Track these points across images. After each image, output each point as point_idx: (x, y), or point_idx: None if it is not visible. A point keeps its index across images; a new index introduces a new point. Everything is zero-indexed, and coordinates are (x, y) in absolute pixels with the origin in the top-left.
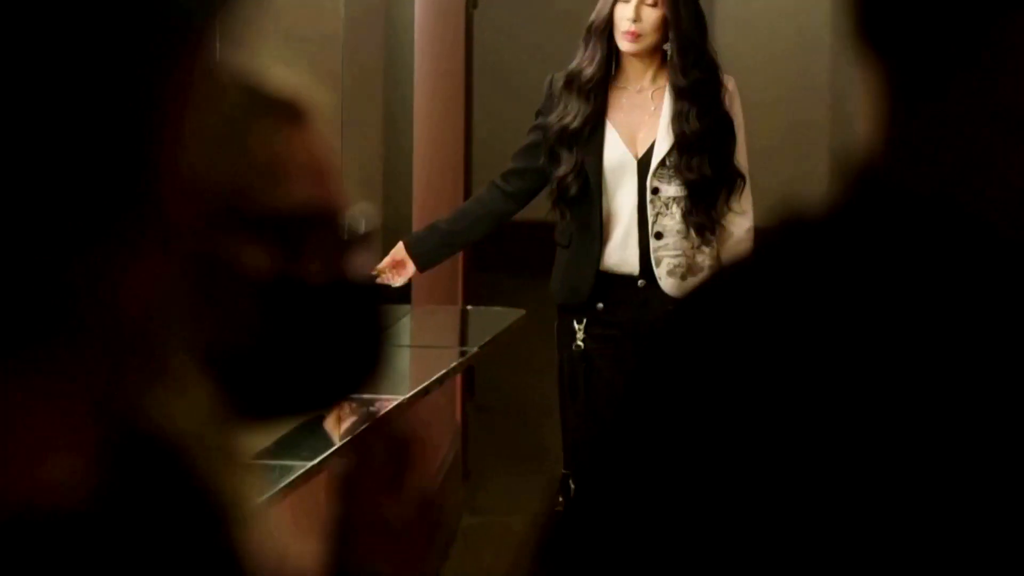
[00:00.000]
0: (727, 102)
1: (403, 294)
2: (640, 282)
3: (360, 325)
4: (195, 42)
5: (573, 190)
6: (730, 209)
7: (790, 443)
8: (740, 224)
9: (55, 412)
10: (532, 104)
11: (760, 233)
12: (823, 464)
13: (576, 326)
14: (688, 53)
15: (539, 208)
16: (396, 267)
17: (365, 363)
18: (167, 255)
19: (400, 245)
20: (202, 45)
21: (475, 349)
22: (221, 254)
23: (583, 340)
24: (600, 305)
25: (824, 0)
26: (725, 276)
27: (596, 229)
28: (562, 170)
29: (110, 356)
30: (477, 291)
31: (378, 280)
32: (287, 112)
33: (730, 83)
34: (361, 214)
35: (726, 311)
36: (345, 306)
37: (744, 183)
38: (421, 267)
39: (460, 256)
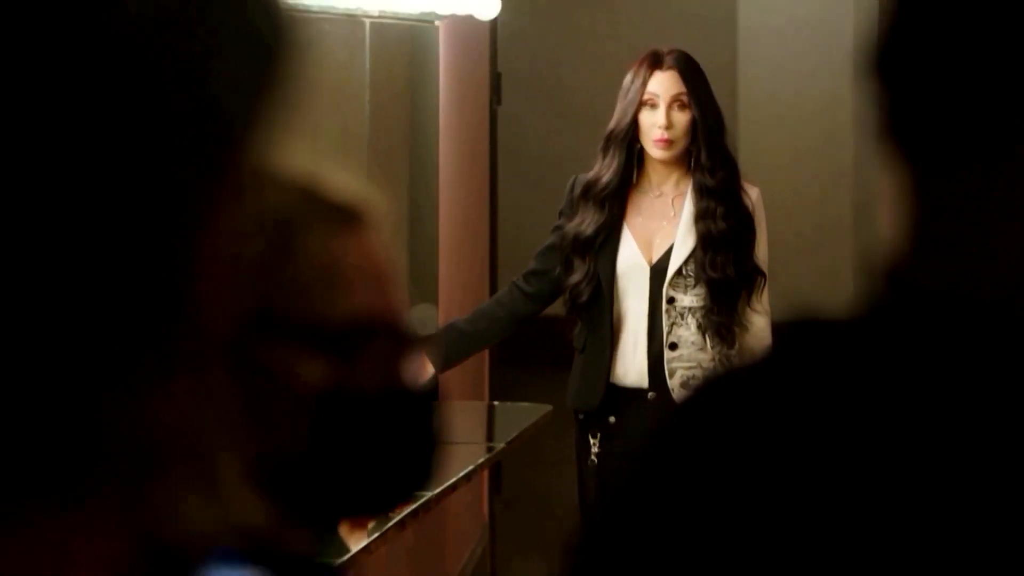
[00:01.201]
0: (749, 206)
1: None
2: (650, 394)
3: (416, 430)
4: (236, 149)
5: (584, 297)
6: (751, 308)
7: (808, 554)
8: (758, 323)
9: (97, 547)
10: (556, 200)
11: (777, 334)
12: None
13: (591, 440)
14: (716, 153)
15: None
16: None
17: (420, 467)
18: (208, 370)
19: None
20: (242, 151)
21: (502, 445)
22: (274, 364)
23: (597, 455)
24: (612, 419)
25: (847, 99)
26: (738, 377)
27: (607, 336)
28: (575, 277)
29: (151, 478)
30: (503, 386)
31: None
32: (344, 216)
33: (754, 192)
34: (421, 317)
35: (738, 413)
36: (402, 412)
37: (764, 281)
38: (440, 368)
39: (486, 351)
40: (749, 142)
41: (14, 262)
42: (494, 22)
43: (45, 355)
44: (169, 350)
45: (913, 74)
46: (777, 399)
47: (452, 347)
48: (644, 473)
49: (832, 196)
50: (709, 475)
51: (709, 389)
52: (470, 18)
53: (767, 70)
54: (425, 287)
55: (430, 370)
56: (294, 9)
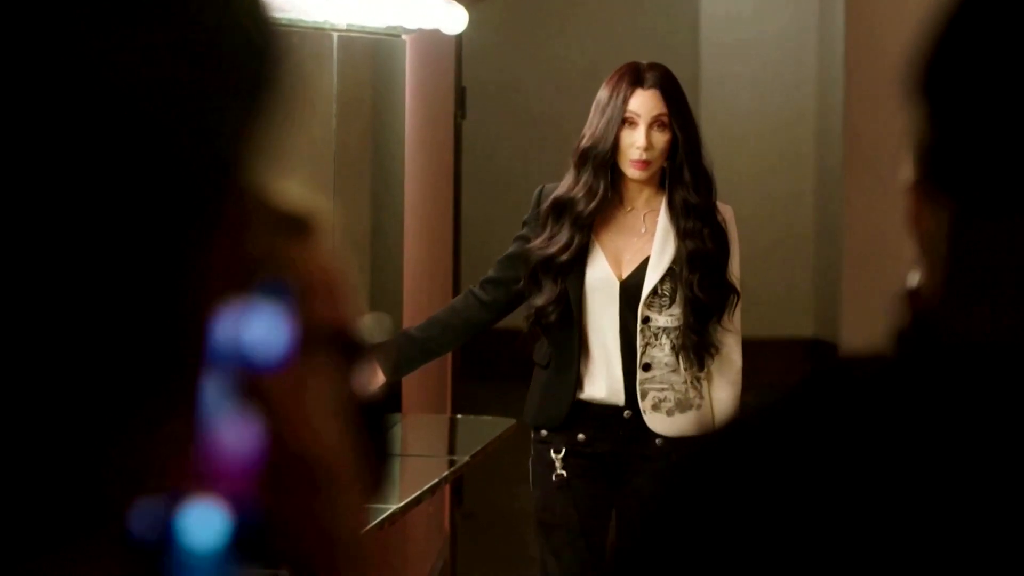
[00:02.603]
0: (723, 224)
1: (392, 403)
2: (626, 412)
3: (371, 438)
4: (232, 177)
5: (552, 318)
6: (723, 328)
7: None
8: (728, 342)
9: None
10: (519, 210)
11: (802, 380)
12: None
13: (553, 455)
14: (697, 171)
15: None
16: None
17: (372, 479)
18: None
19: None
20: (237, 180)
21: (466, 458)
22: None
23: (564, 470)
24: (581, 436)
25: (809, 117)
26: (765, 423)
27: (574, 351)
28: (542, 299)
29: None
30: (466, 400)
31: None
32: (292, 226)
33: (727, 211)
34: (374, 325)
35: (769, 461)
36: (358, 420)
37: (738, 300)
38: (391, 376)
39: (449, 365)
40: (710, 158)
41: (27, 295)
42: (459, 36)
43: (58, 391)
44: (170, 382)
45: (963, 101)
46: (803, 451)
47: (404, 355)
48: (671, 521)
49: (793, 213)
50: (738, 529)
51: (734, 433)
52: (436, 32)
53: (729, 86)
54: (389, 298)
55: (381, 378)
56: (279, 30)
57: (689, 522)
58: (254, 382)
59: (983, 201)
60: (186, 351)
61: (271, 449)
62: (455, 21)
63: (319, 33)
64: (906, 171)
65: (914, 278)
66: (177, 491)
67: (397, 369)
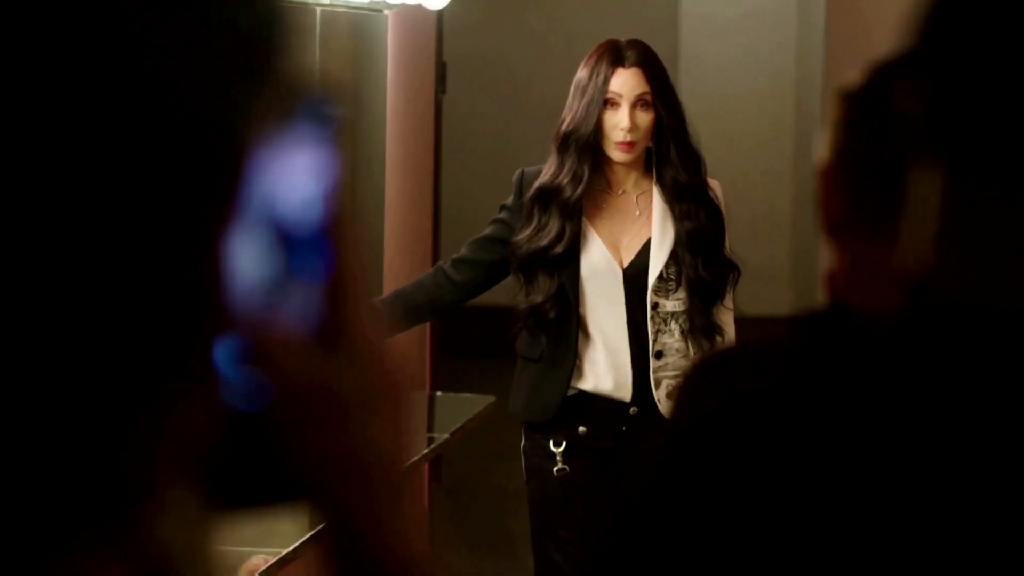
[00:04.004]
0: (715, 200)
1: None
2: (632, 409)
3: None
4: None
5: (552, 315)
6: (724, 306)
7: None
8: (727, 320)
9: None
10: (498, 188)
11: (794, 334)
12: None
13: (553, 449)
14: (684, 150)
15: (507, 292)
16: None
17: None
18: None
19: None
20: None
21: (446, 435)
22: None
23: (563, 467)
24: (582, 429)
25: (788, 94)
26: (760, 394)
27: (572, 344)
28: (540, 296)
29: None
30: (445, 376)
31: None
32: None
33: (716, 187)
34: None
35: (765, 428)
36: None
37: (739, 275)
38: None
39: (427, 341)
40: (697, 135)
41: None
42: (440, 12)
43: (68, 384)
44: (182, 373)
45: (961, 69)
46: (802, 416)
47: None
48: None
49: (772, 191)
50: (739, 488)
51: (728, 405)
52: (419, 7)
53: (709, 64)
54: (370, 272)
55: None
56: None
57: (692, 488)
58: (303, 284)
59: (978, 166)
60: (197, 346)
61: (300, 374)
62: None
63: (302, 8)
64: (819, 152)
65: (828, 259)
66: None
67: None
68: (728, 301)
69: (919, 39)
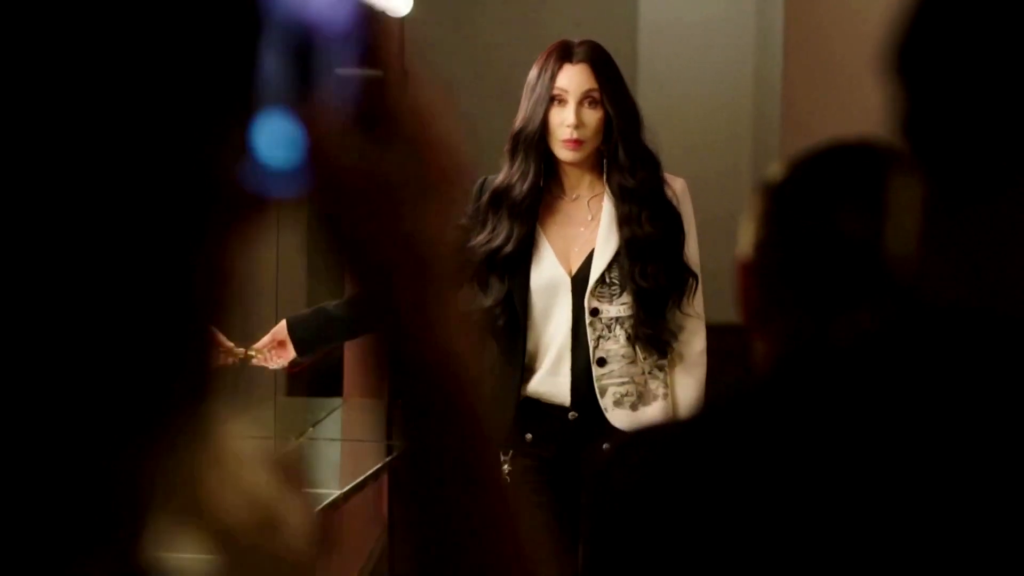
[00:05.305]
0: (674, 202)
1: (334, 387)
2: (571, 414)
3: None
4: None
5: (501, 321)
6: (683, 313)
7: None
8: (690, 327)
9: None
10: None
11: (789, 352)
12: None
13: (502, 457)
14: (634, 151)
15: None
16: (276, 348)
17: None
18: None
19: (283, 324)
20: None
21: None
22: None
23: (509, 473)
24: (528, 436)
25: (747, 96)
26: (750, 393)
27: (519, 352)
28: (489, 301)
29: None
30: None
31: (253, 361)
32: None
33: (678, 185)
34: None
35: (760, 429)
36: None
37: (696, 283)
38: (300, 352)
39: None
40: (654, 136)
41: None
42: (401, 20)
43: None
44: (171, 389)
45: (941, 75)
46: (788, 423)
47: (316, 333)
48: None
49: (729, 193)
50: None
51: (719, 404)
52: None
53: (668, 66)
54: (332, 285)
55: (291, 354)
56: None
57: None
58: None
59: (959, 170)
60: (190, 361)
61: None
62: (401, 4)
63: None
64: (743, 245)
65: (753, 350)
66: None
67: (309, 347)
68: (689, 307)
69: (900, 46)
